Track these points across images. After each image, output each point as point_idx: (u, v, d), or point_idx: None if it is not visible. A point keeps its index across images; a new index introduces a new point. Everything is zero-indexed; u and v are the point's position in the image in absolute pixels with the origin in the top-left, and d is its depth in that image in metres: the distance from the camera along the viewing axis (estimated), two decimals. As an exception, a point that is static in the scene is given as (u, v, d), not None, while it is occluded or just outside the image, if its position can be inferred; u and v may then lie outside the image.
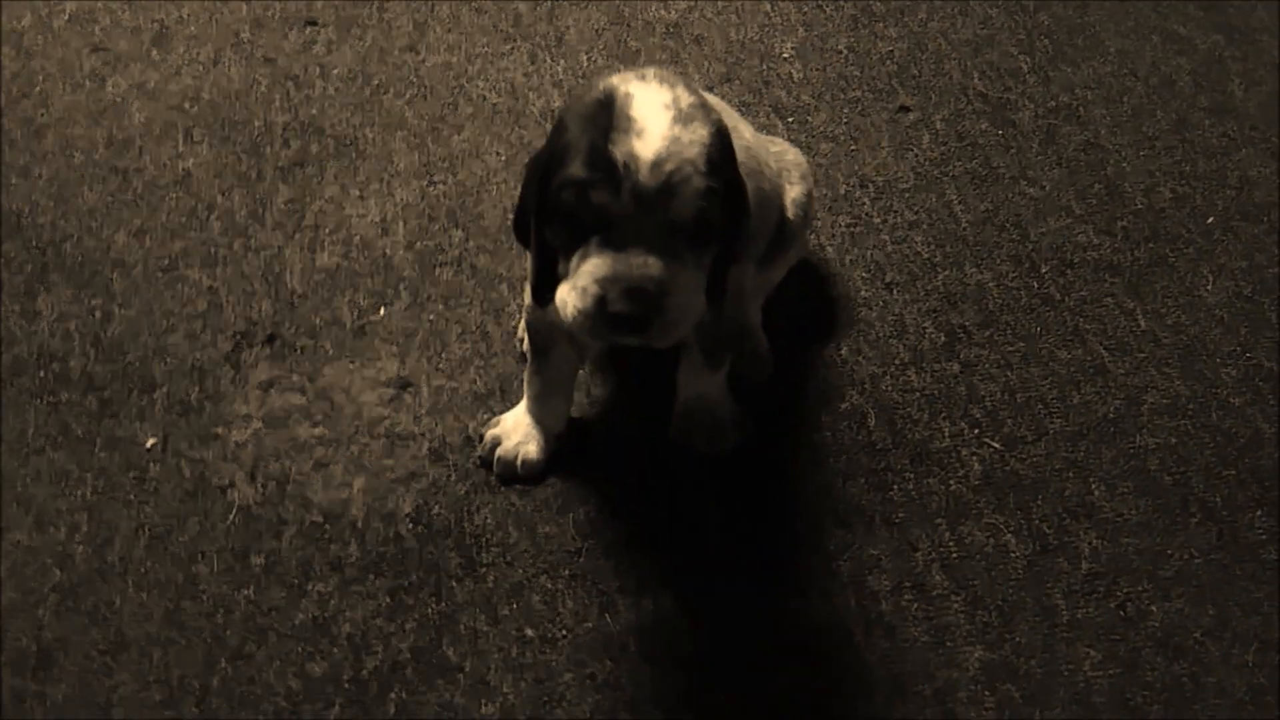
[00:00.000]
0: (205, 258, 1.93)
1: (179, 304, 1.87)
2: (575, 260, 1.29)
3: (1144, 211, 2.03)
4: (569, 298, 1.29)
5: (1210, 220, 2.02)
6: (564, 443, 1.69)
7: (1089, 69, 2.28)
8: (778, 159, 1.75)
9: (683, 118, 1.26)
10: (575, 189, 1.26)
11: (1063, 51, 2.31)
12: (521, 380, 1.71)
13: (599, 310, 1.26)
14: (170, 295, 1.88)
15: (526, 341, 1.66)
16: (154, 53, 2.28)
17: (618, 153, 1.24)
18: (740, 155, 1.51)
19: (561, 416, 1.68)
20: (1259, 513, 1.65)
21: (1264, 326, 1.86)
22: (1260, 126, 2.17)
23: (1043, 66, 2.28)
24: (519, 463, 1.66)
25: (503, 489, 1.66)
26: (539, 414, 1.67)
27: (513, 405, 1.71)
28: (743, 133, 1.63)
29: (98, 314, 1.86)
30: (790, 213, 1.72)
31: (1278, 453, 1.71)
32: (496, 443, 1.67)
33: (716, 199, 1.28)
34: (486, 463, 1.68)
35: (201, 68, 2.25)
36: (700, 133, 1.27)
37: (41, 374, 1.78)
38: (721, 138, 1.31)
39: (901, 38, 2.33)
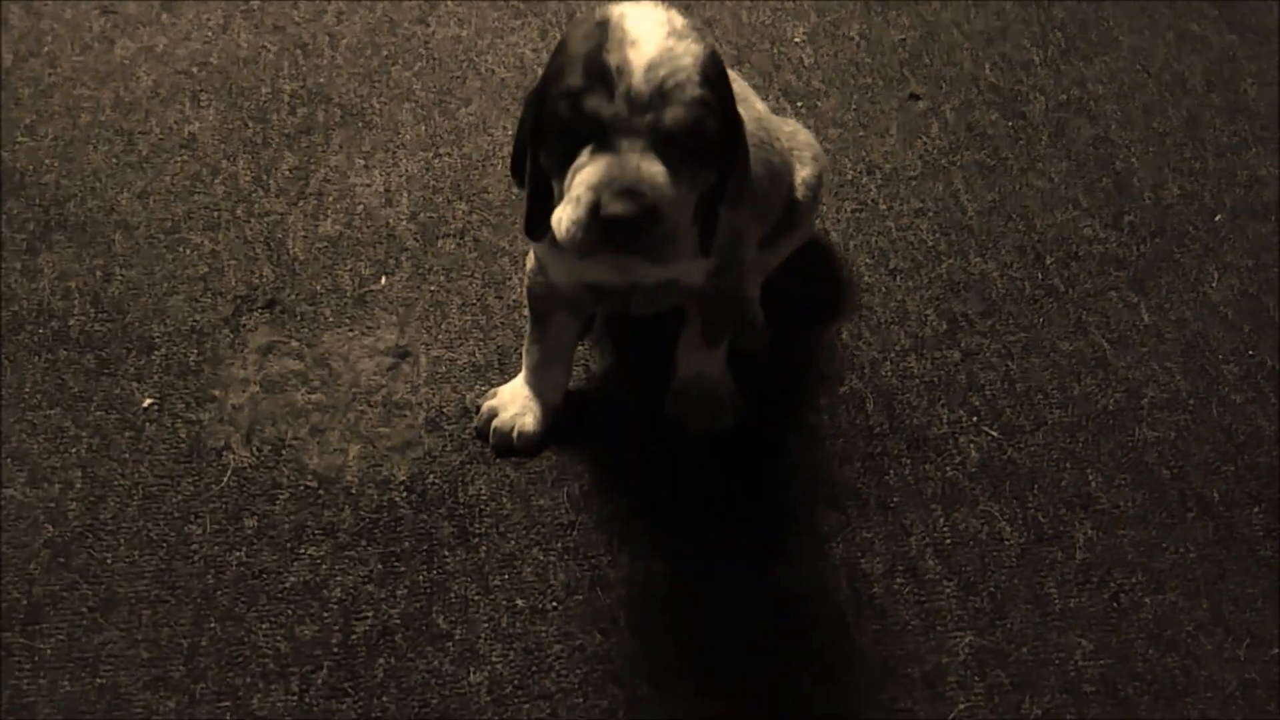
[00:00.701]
0: (208, 222, 1.94)
1: (180, 266, 1.88)
2: (569, 178, 1.28)
3: (1151, 207, 2.03)
4: (563, 214, 1.28)
5: (1218, 218, 2.02)
6: (561, 416, 1.69)
7: (1101, 64, 2.28)
8: (790, 138, 1.75)
9: (677, 33, 1.27)
10: (569, 99, 1.26)
11: (1075, 46, 2.32)
12: (520, 354, 1.72)
13: (592, 217, 1.25)
14: (172, 257, 1.89)
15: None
16: (164, 16, 2.28)
17: (611, 59, 1.24)
18: (751, 126, 1.52)
19: (560, 388, 1.69)
20: (1256, 509, 1.65)
21: (1267, 325, 1.86)
22: (1271, 126, 2.17)
23: (1055, 60, 2.28)
24: (515, 434, 1.66)
25: (497, 461, 1.66)
26: (537, 385, 1.67)
27: (511, 378, 1.72)
28: (754, 104, 1.63)
29: (99, 273, 1.86)
30: (800, 193, 1.72)
31: (1277, 450, 1.71)
32: (493, 414, 1.67)
33: (711, 111, 1.27)
34: (482, 434, 1.68)
35: (211, 33, 2.25)
36: (694, 48, 1.28)
37: (41, 331, 1.79)
38: (715, 59, 1.31)
39: (914, 26, 2.33)
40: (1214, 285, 1.92)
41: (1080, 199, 2.03)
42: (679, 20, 1.29)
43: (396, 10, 2.31)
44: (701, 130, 1.27)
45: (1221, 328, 1.86)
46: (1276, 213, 2.03)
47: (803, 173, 1.74)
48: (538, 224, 1.38)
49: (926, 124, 2.14)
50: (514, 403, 1.68)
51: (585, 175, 1.26)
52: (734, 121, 1.36)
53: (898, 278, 1.91)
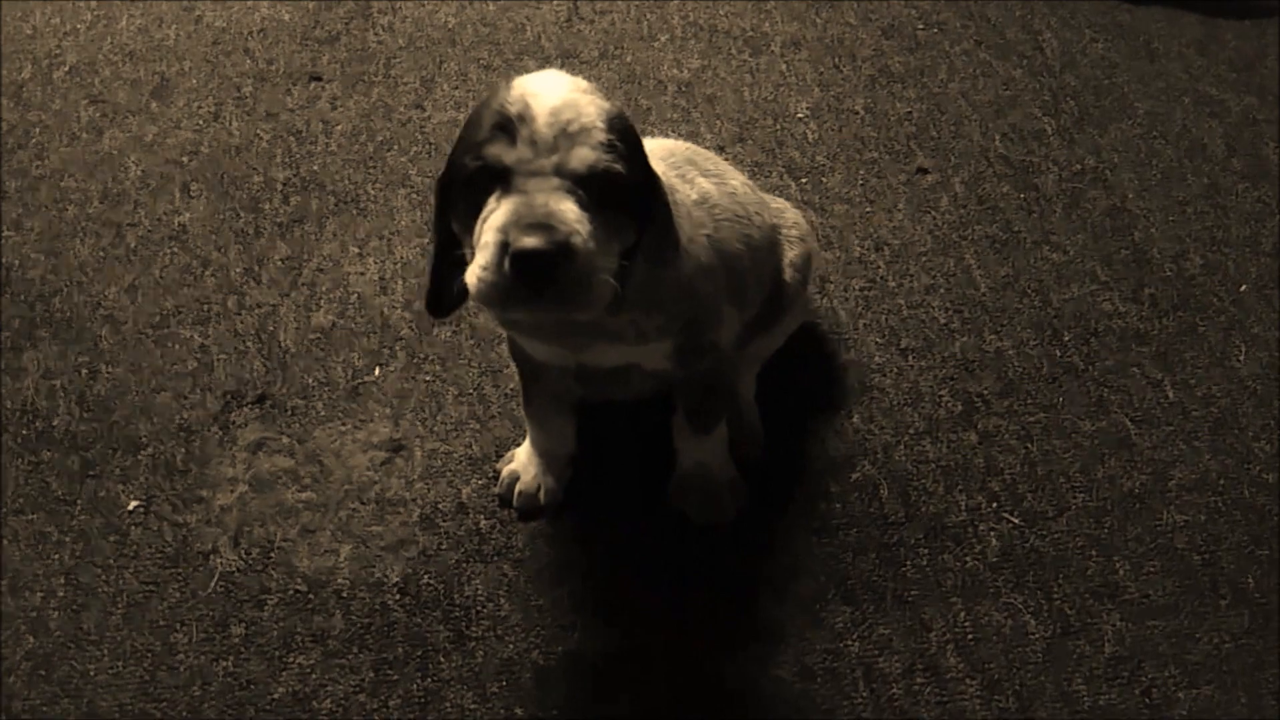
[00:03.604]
0: (198, 315, 1.96)
1: (168, 362, 1.89)
2: (478, 231, 1.27)
3: (1173, 279, 2.03)
4: (474, 265, 1.25)
5: (1243, 288, 2.02)
6: (579, 466, 1.71)
7: (1116, 132, 2.30)
8: (777, 215, 1.75)
9: (581, 90, 1.29)
10: (473, 151, 1.27)
11: (1089, 113, 2.33)
12: (519, 440, 1.71)
13: (501, 260, 1.22)
14: (160, 353, 1.90)
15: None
16: (153, 105, 2.33)
17: (513, 110, 1.25)
18: (725, 201, 1.54)
19: (569, 439, 1.71)
20: (1294, 596, 1.63)
21: (1299, 400, 1.85)
22: (1295, 192, 2.18)
23: (1068, 129, 2.30)
24: (541, 494, 1.69)
25: (495, 558, 1.65)
26: (545, 443, 1.69)
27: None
28: (729, 179, 1.64)
29: (84, 371, 1.88)
30: (787, 275, 1.72)
31: (1314, 532, 1.69)
32: (515, 478, 1.70)
33: (619, 156, 1.27)
34: (505, 500, 1.70)
35: (201, 121, 2.29)
36: (599, 101, 1.29)
37: (24, 432, 1.80)
38: (622, 115, 1.32)
39: (920, 99, 2.35)
40: (1241, 359, 1.91)
41: (1098, 272, 2.03)
42: (584, 83, 1.31)
43: (392, 95, 2.35)
44: (611, 174, 1.27)
45: (1251, 403, 1.85)
46: (1304, 282, 2.03)
47: (790, 254, 1.74)
48: (439, 298, 1.38)
49: (935, 198, 2.15)
50: (533, 463, 1.70)
51: (493, 219, 1.25)
52: (648, 173, 1.36)
53: (909, 357, 1.90)
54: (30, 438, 1.79)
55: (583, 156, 1.25)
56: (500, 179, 1.26)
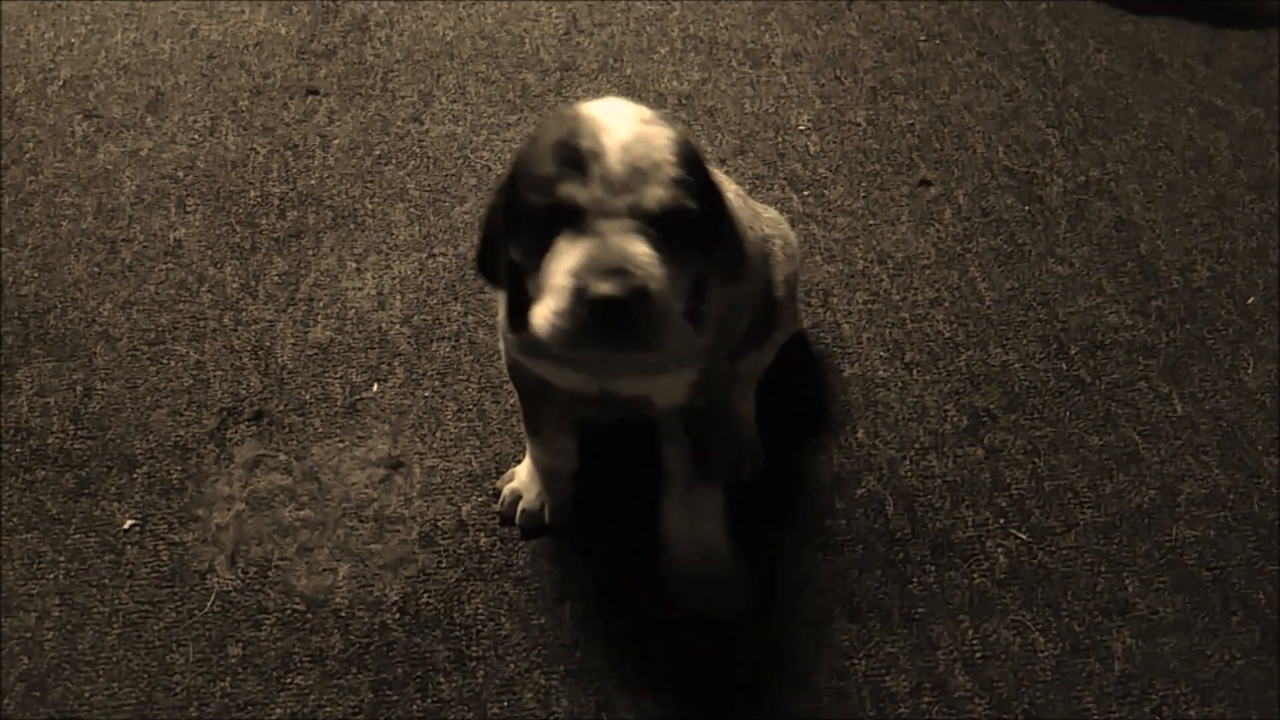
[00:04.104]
0: (193, 331, 1.95)
1: (164, 379, 1.89)
2: (545, 270, 1.26)
3: (1180, 291, 2.03)
4: (543, 307, 1.25)
5: (1251, 300, 2.01)
6: (580, 483, 1.70)
7: (1121, 143, 2.30)
8: (772, 225, 1.74)
9: (647, 120, 1.28)
10: (542, 187, 1.26)
11: (1093, 124, 2.33)
12: (519, 457, 1.71)
13: (576, 306, 1.22)
14: (155, 370, 1.90)
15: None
16: (148, 119, 2.33)
17: (584, 145, 1.25)
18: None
19: (572, 456, 1.69)
20: (1306, 612, 1.62)
21: (1309, 413, 1.85)
22: (1302, 203, 2.18)
23: (1072, 140, 2.30)
24: (546, 512, 1.68)
25: (495, 576, 1.64)
26: (548, 461, 1.67)
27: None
28: (724, 191, 1.63)
29: (79, 388, 1.87)
30: (779, 291, 1.71)
31: (1325, 547, 1.68)
32: (517, 496, 1.69)
33: (690, 191, 1.27)
34: (507, 519, 1.69)
35: (197, 135, 2.29)
36: (667, 131, 1.29)
37: (18, 450, 1.79)
38: (688, 143, 1.32)
39: (923, 110, 2.35)
40: (1250, 372, 1.90)
41: (1104, 284, 2.03)
42: (647, 111, 1.31)
43: (389, 109, 2.35)
44: (683, 210, 1.27)
45: (1260, 416, 1.84)
46: (1312, 293, 2.02)
47: (781, 271, 1.72)
48: (519, 316, 1.36)
49: (939, 210, 2.15)
50: (535, 481, 1.69)
51: (565, 262, 1.24)
52: (715, 200, 1.37)
53: (914, 371, 1.90)
54: (24, 456, 1.78)
55: (656, 196, 1.25)
56: (571, 219, 1.25)
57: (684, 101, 2.37)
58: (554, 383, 1.53)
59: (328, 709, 1.52)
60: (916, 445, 1.81)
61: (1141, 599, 1.63)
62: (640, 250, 1.23)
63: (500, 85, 2.40)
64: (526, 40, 2.53)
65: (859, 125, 2.32)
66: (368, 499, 1.74)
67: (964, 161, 2.25)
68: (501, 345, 1.61)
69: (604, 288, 1.21)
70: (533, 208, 1.27)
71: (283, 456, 1.79)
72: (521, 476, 1.71)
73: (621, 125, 1.26)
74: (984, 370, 1.90)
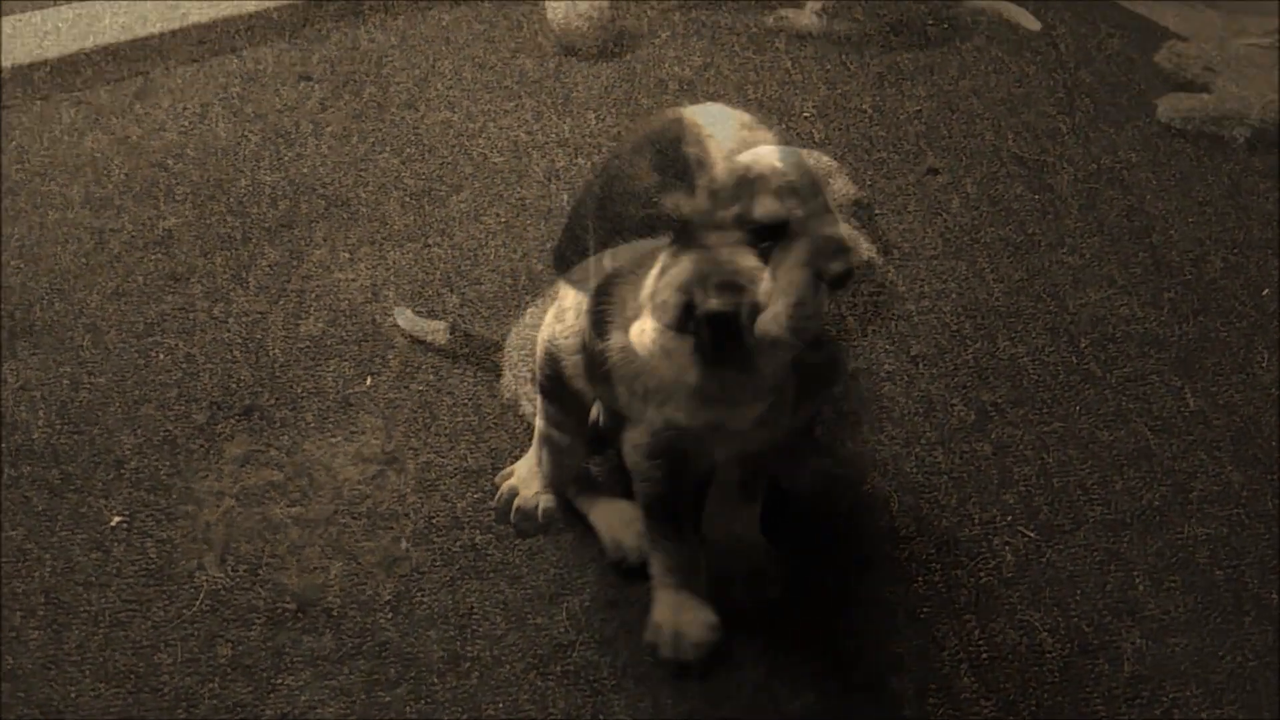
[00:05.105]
0: (183, 324, 1.95)
1: (153, 372, 1.88)
2: (648, 285, 1.24)
3: (1193, 282, 2.02)
4: (643, 323, 1.23)
5: (1265, 292, 2.01)
6: (577, 479, 1.69)
7: (1133, 129, 2.29)
8: None
9: (749, 125, 1.28)
10: (643, 198, 1.24)
11: (1105, 111, 2.33)
12: (516, 451, 1.70)
13: (683, 320, 1.20)
14: (144, 363, 1.89)
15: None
16: (137, 106, 2.32)
17: (688, 152, 1.23)
18: None
19: (580, 456, 1.68)
20: (1321, 612, 1.61)
21: (1324, 407, 1.84)
22: (1319, 191, 2.17)
23: (1083, 127, 2.29)
24: (539, 512, 1.66)
25: (491, 574, 1.64)
26: (554, 459, 1.66)
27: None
28: None
29: (65, 382, 1.87)
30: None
31: (1341, 546, 1.68)
32: (514, 494, 1.68)
33: (798, 200, 1.23)
34: (503, 516, 1.68)
35: (187, 123, 2.29)
36: (768, 135, 1.28)
37: (3, 445, 1.78)
38: (795, 151, 1.29)
39: (930, 96, 2.35)
40: (1264, 365, 1.90)
41: (1115, 276, 2.02)
42: (747, 116, 1.29)
43: (383, 95, 2.35)
44: (791, 220, 1.24)
45: (1274, 411, 1.84)
46: (1328, 285, 2.02)
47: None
48: (601, 325, 1.32)
49: (947, 199, 2.15)
50: (534, 479, 1.68)
51: (674, 276, 1.22)
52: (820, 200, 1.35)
53: (920, 364, 1.89)
54: (9, 451, 1.78)
55: (765, 206, 1.21)
56: (675, 229, 1.23)
57: (685, 87, 2.36)
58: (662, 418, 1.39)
59: (319, 710, 1.51)
60: (922, 440, 1.80)
61: (1152, 598, 1.63)
62: (752, 263, 1.21)
63: (497, 71, 2.40)
64: (525, 25, 2.52)
65: (864, 112, 2.32)
66: (360, 495, 1.73)
67: (972, 149, 2.24)
68: (540, 351, 1.58)
69: (716, 302, 1.19)
70: (631, 220, 1.26)
71: (274, 452, 1.78)
72: (520, 474, 1.70)
73: (724, 132, 1.25)
74: (992, 363, 1.89)
